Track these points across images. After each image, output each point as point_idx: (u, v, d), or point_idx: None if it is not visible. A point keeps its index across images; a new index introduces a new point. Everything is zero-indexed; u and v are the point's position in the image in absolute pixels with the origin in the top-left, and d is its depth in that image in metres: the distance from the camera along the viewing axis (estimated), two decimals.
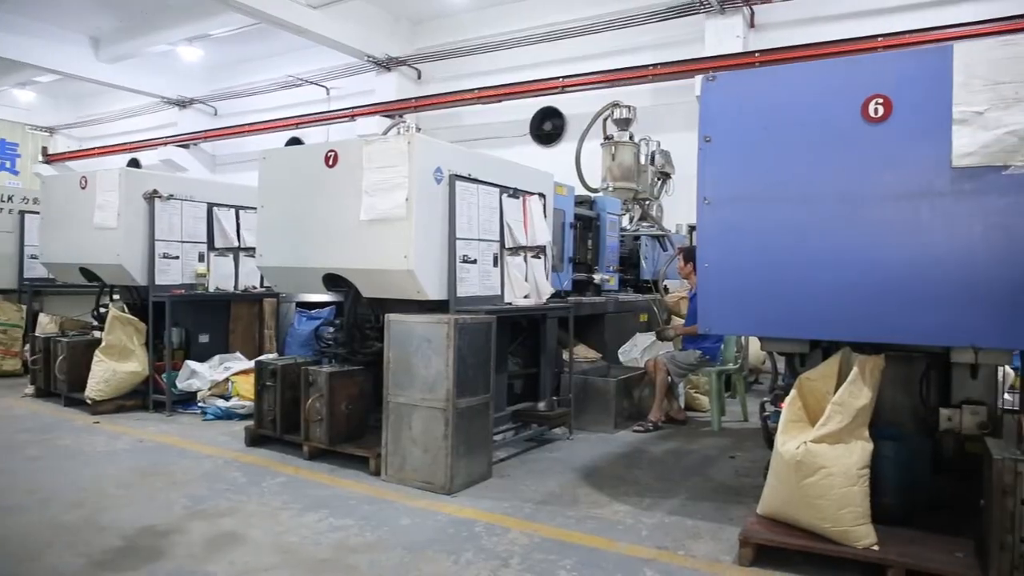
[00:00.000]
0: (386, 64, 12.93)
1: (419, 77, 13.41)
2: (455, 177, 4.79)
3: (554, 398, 5.82)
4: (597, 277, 7.26)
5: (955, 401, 3.68)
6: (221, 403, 6.37)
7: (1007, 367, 4.50)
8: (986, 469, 3.01)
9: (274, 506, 4.08)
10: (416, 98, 12.79)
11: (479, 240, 5.03)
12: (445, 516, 3.95)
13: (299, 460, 4.96)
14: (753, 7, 9.97)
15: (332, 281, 5.07)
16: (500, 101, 11.79)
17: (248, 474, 4.68)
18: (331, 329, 5.47)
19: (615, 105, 8.53)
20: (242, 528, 3.74)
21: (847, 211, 3.35)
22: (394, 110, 12.63)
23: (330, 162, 4.95)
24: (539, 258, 5.60)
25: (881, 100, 3.29)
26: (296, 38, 12.01)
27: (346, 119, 13.34)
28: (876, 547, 3.14)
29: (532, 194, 5.56)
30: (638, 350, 6.94)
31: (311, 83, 14.22)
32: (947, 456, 3.76)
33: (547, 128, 12.04)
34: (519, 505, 4.16)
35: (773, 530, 3.39)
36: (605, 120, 8.62)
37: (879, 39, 8.63)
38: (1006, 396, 4.48)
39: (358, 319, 5.24)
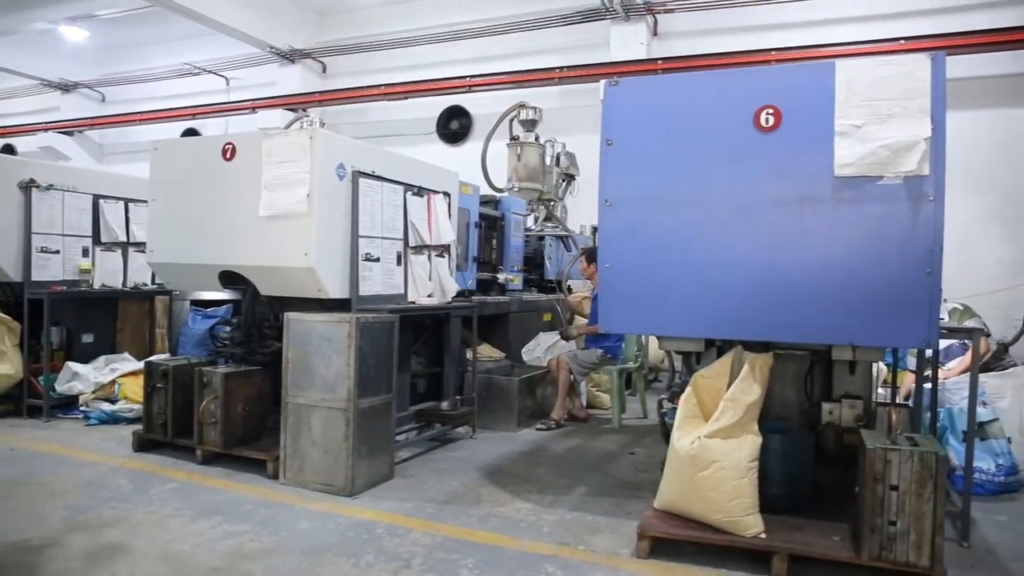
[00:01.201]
0: (290, 56, 12.57)
1: (324, 71, 13.11)
2: (358, 174, 4.71)
3: (458, 397, 5.82)
4: (501, 276, 7.30)
5: (835, 396, 3.92)
6: (106, 407, 6.01)
7: (880, 363, 4.85)
8: (861, 458, 3.21)
9: (163, 514, 3.89)
10: (321, 92, 12.50)
11: (382, 238, 4.96)
12: (346, 518, 3.87)
13: (192, 465, 4.75)
14: (656, 16, 10.28)
15: (229, 278, 4.89)
16: (407, 98, 11.68)
17: (135, 481, 4.44)
18: (228, 328, 5.28)
19: (522, 106, 8.61)
20: (127, 538, 3.53)
21: (740, 215, 3.50)
22: (297, 103, 12.30)
23: (228, 155, 4.77)
24: (443, 257, 5.58)
25: (772, 111, 3.46)
26: (194, 24, 11.47)
27: (247, 111, 12.88)
28: (763, 535, 3.30)
29: (437, 192, 5.53)
30: (541, 349, 7.03)
31: (209, 72, 13.64)
32: (828, 447, 4.00)
33: (454, 127, 12.03)
34: (421, 505, 4.13)
35: (669, 523, 3.50)
36: (511, 121, 8.68)
37: (772, 52, 9.09)
38: (879, 390, 4.82)
39: (256, 318, 5.08)
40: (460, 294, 5.98)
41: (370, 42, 12.15)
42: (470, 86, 11.03)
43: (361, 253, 4.72)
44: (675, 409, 3.76)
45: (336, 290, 4.62)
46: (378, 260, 4.91)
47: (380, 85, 11.71)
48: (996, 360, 5.81)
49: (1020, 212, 8.70)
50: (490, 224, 7.32)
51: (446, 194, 5.66)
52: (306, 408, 4.35)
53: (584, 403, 6.85)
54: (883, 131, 3.25)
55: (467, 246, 6.53)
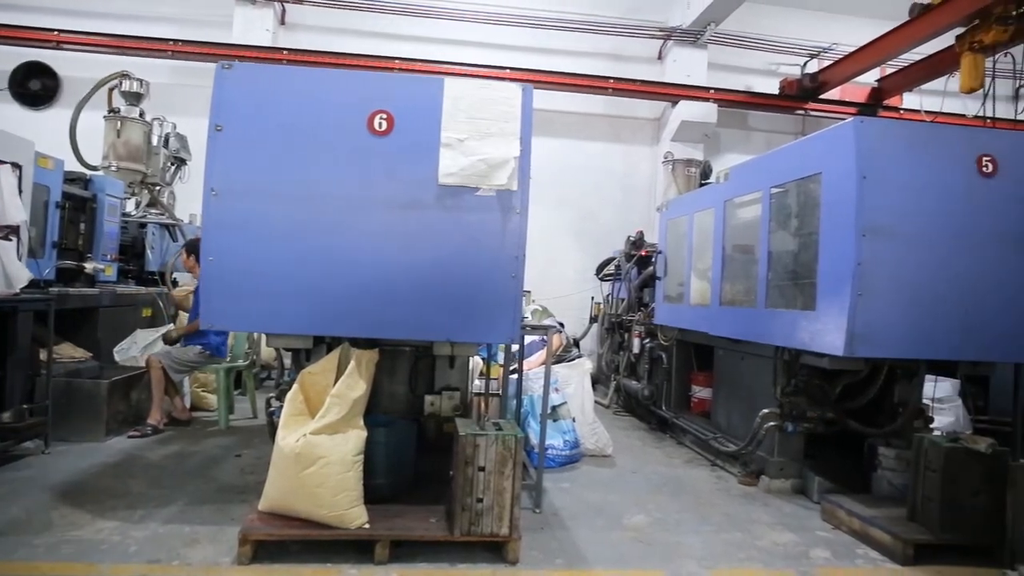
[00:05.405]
0: None
1: None
2: None
3: (25, 406, 4.92)
4: (90, 266, 6.38)
5: (437, 388, 4.25)
6: None
7: (477, 357, 5.37)
8: (456, 444, 3.52)
9: None
10: None
11: None
12: None
13: None
14: (285, 4, 10.00)
15: None
16: None
17: None
18: None
19: (124, 76, 7.68)
20: None
21: (350, 215, 3.56)
22: None
23: None
24: (10, 240, 4.69)
25: (385, 116, 3.60)
26: None
27: None
28: (367, 525, 3.41)
29: (3, 163, 4.63)
30: (138, 348, 6.32)
31: None
32: (430, 436, 4.30)
33: (34, 87, 10.12)
34: None
35: (273, 524, 3.42)
36: (112, 90, 7.68)
37: (397, 61, 9.49)
38: (476, 382, 5.34)
39: None
40: (34, 284, 5.09)
41: None
42: (58, 42, 9.39)
43: None
44: (283, 407, 3.69)
45: None
46: None
47: None
48: (567, 353, 6.88)
49: (589, 227, 10.50)
50: (77, 205, 6.37)
51: (16, 166, 4.78)
52: None
53: (188, 404, 6.34)
54: (482, 147, 3.61)
55: (45, 229, 5.60)
